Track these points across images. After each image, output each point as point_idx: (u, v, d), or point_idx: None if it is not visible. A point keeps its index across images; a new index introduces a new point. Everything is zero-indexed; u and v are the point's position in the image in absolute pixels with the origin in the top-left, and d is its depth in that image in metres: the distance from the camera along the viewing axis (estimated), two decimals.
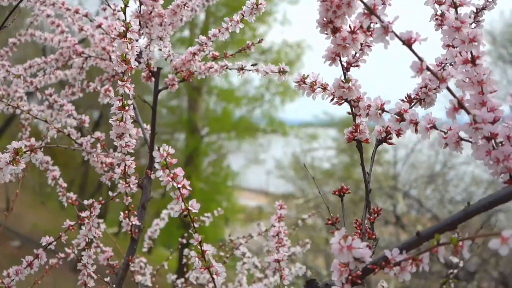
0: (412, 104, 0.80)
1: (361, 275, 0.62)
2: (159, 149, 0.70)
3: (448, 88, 0.58)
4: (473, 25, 0.83)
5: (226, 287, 1.55)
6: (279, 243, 1.08)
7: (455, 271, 1.22)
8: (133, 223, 1.09)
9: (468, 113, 0.59)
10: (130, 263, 1.11)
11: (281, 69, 0.96)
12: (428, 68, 0.58)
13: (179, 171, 0.72)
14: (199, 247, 0.74)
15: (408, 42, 0.58)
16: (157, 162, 0.70)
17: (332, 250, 0.58)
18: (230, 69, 1.10)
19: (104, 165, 1.14)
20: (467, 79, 0.63)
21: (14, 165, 0.74)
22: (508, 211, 6.59)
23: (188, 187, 0.72)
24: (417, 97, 0.79)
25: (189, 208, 0.73)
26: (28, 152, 0.74)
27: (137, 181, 1.02)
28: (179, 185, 0.71)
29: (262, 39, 1.15)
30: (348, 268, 0.60)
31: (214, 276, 0.74)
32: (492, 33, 9.35)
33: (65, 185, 1.17)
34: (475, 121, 0.58)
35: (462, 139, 0.63)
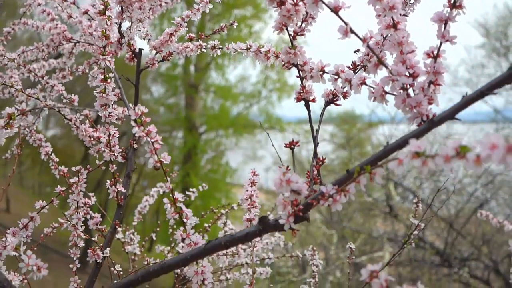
0: (357, 70, 0.91)
1: (303, 209, 0.73)
2: (134, 108, 0.81)
3: (368, 47, 0.70)
4: (412, 0, 0.95)
5: (211, 258, 1.66)
6: (251, 205, 1.19)
7: (416, 232, 1.33)
8: (119, 190, 1.20)
9: (386, 67, 0.70)
10: (116, 227, 1.22)
11: (248, 47, 1.07)
12: (351, 31, 0.69)
13: (152, 128, 0.83)
14: (171, 195, 0.85)
15: (335, 10, 0.69)
16: (133, 120, 0.81)
17: (273, 185, 0.69)
18: (204, 48, 1.21)
19: (92, 139, 1.25)
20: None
21: (8, 128, 0.85)
22: (498, 199, 6.71)
23: (160, 142, 0.83)
24: (361, 63, 0.90)
25: (162, 160, 0.84)
26: (20, 116, 0.86)
27: (121, 150, 1.13)
28: (153, 140, 0.82)
29: (234, 21, 1.26)
30: (289, 201, 0.71)
31: (185, 220, 0.85)
32: (486, 26, 9.46)
33: (57, 159, 1.28)
34: (392, 74, 0.69)
35: (386, 92, 0.74)
